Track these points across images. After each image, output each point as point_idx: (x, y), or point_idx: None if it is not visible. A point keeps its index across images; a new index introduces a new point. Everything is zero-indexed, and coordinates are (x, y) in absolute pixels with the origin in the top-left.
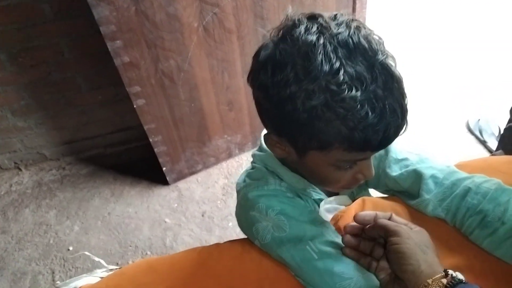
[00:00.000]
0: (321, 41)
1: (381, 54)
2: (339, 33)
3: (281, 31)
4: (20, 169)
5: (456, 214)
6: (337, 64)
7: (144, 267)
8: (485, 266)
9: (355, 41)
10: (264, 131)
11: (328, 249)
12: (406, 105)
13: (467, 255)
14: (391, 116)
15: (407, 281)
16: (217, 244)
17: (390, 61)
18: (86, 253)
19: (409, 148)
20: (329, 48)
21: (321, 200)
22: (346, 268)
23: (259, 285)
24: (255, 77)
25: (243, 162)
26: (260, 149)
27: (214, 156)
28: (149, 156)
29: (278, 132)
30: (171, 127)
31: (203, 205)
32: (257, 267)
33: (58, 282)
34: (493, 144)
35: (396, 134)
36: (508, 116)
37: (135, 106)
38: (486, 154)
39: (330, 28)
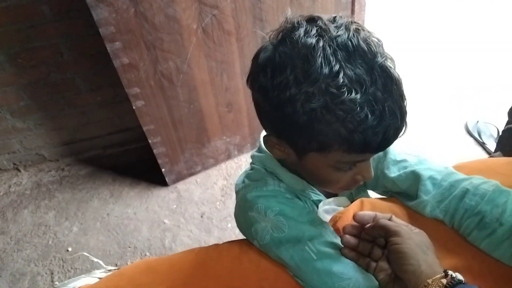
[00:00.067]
0: (321, 43)
1: (380, 56)
2: (339, 35)
3: (281, 34)
4: (19, 170)
5: (454, 215)
6: (337, 67)
7: (143, 268)
8: (483, 267)
9: (354, 44)
10: (263, 133)
11: (327, 249)
12: (405, 107)
13: (465, 256)
14: (390, 118)
15: (407, 281)
16: (216, 245)
17: (389, 63)
18: (85, 253)
19: (408, 150)
20: (328, 50)
21: (319, 201)
22: (345, 268)
23: (258, 286)
24: (254, 80)
25: (242, 163)
26: (259, 150)
27: (213, 158)
28: (148, 157)
29: (277, 134)
30: (170, 128)
31: (202, 206)
32: (256, 268)
33: (57, 283)
34: (492, 145)
35: (395, 136)
36: (507, 118)
37: (134, 107)
38: (484, 155)
39: (330, 31)
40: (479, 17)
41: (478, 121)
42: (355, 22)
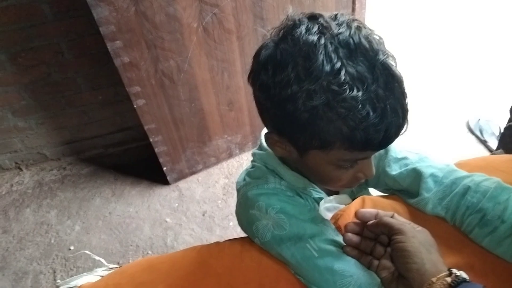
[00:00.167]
0: (322, 41)
1: (382, 54)
2: (340, 33)
3: (282, 31)
4: (21, 169)
5: (456, 212)
6: (338, 64)
7: (144, 266)
8: (485, 265)
9: (356, 41)
10: (265, 130)
11: (329, 247)
12: (407, 104)
13: (467, 253)
14: (392, 116)
15: (412, 280)
16: (218, 243)
17: (390, 61)
18: (87, 252)
19: (409, 147)
20: (330, 48)
21: (321, 199)
22: (347, 266)
23: (259, 284)
24: (255, 77)
25: (243, 162)
26: (260, 148)
27: (215, 156)
28: (150, 156)
29: (278, 132)
30: (171, 127)
31: (203, 204)
32: (257, 266)
33: (59, 281)
34: (494, 143)
35: (397, 133)
36: (508, 116)
37: (135, 106)
38: (486, 153)
39: (331, 28)
40: (481, 14)
41: (479, 119)
42: (356, 20)
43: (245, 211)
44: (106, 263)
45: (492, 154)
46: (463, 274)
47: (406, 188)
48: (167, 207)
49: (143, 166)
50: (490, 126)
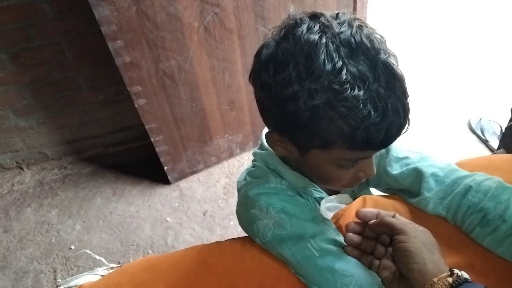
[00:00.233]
0: (324, 40)
1: (383, 53)
2: (341, 32)
3: (283, 30)
4: (22, 169)
5: (457, 212)
6: (340, 63)
7: (145, 265)
8: (486, 264)
9: (357, 40)
10: (266, 130)
11: (329, 246)
12: (408, 104)
13: (468, 253)
14: (393, 115)
15: (413, 280)
16: (218, 242)
17: (392, 60)
18: (88, 251)
19: (410, 147)
20: (331, 47)
21: (321, 198)
22: (347, 265)
23: (260, 283)
24: (257, 76)
25: (244, 161)
26: (261, 147)
27: (215, 156)
28: (151, 156)
29: (280, 131)
30: (172, 126)
31: (204, 204)
32: (258, 265)
33: (59, 280)
34: (495, 143)
35: (398, 133)
36: (510, 115)
37: (136, 106)
38: (487, 153)
39: (332, 27)
40: (483, 13)
41: (481, 119)
42: (358, 19)
43: (245, 211)
44: (106, 263)
45: (493, 153)
46: (465, 275)
47: (407, 188)
48: (168, 207)
49: (144, 165)
50: (492, 126)
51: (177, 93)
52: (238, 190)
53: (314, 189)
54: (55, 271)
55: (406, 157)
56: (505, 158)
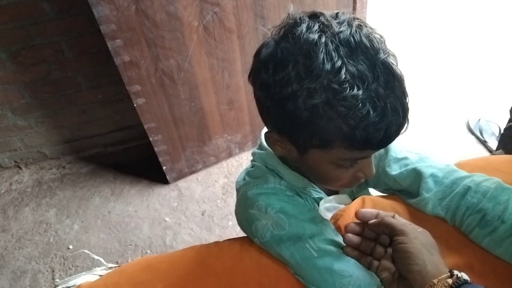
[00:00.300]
0: (323, 39)
1: (383, 52)
2: (341, 31)
3: (283, 30)
4: (20, 168)
5: (456, 212)
6: (339, 63)
7: (143, 265)
8: (485, 265)
9: (356, 40)
10: (265, 129)
11: (328, 247)
12: (407, 103)
13: (467, 254)
14: (392, 115)
15: (413, 281)
16: (217, 242)
17: (391, 60)
18: (86, 251)
19: (409, 147)
20: (330, 46)
21: (320, 199)
22: (346, 266)
23: (259, 283)
24: (256, 76)
25: (243, 161)
26: (260, 147)
27: (214, 156)
28: (149, 155)
29: (279, 130)
30: (171, 126)
31: (203, 204)
32: (257, 265)
33: (57, 280)
34: (494, 144)
35: (397, 133)
36: (508, 116)
37: (135, 105)
38: (486, 154)
39: (332, 27)
40: (482, 14)
41: (479, 119)
42: (357, 19)
43: (244, 211)
44: (105, 263)
45: (492, 154)
46: (465, 276)
47: (406, 188)
48: (167, 207)
49: (142, 165)
50: (490, 127)
51: (176, 92)
52: (237, 190)
53: (313, 189)
54: (53, 271)
55: (405, 158)
56: (504, 159)
